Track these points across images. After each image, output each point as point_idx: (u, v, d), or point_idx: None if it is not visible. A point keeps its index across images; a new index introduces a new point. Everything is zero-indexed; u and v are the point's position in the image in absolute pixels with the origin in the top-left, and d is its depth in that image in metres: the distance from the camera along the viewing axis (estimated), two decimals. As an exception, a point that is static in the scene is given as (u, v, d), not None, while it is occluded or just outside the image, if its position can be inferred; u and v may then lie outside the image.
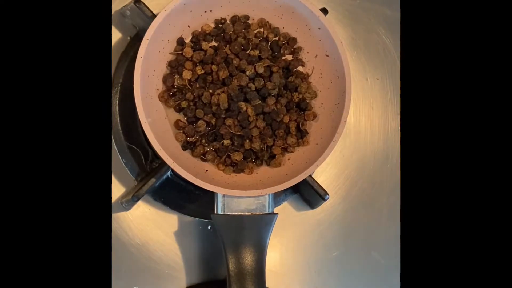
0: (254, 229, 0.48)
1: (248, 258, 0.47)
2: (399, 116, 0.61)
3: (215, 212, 0.49)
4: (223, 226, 0.48)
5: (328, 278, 0.58)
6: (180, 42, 0.53)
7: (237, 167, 0.51)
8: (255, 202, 0.49)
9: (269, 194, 0.49)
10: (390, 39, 0.63)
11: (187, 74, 0.52)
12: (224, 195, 0.48)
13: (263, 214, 0.49)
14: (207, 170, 0.51)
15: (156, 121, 0.50)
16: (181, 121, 0.52)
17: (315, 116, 0.53)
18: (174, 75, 0.52)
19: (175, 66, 0.52)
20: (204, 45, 0.53)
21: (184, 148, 0.52)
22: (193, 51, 0.53)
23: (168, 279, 0.55)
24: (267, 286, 0.56)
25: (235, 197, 0.48)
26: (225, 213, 0.48)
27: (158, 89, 0.52)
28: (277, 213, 0.50)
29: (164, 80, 0.52)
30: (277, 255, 0.57)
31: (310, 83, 0.54)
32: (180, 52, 0.53)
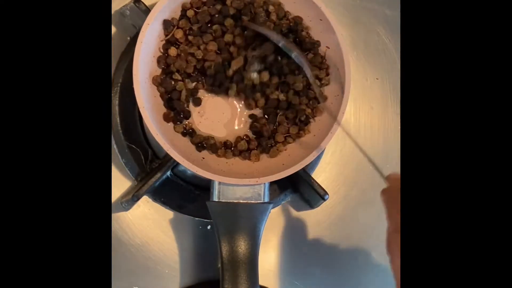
0: (248, 217, 0.48)
1: (242, 246, 0.48)
2: (399, 116, 0.61)
3: (211, 199, 0.49)
4: (218, 213, 0.49)
5: (328, 278, 0.58)
6: (167, 24, 0.51)
7: (242, 154, 0.51)
8: (250, 190, 0.49)
9: (264, 184, 0.49)
10: (390, 39, 0.63)
11: (173, 51, 0.51)
12: (220, 183, 0.49)
13: (258, 203, 0.49)
14: (203, 158, 0.51)
15: (154, 107, 0.50)
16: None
17: (326, 98, 0.53)
18: (166, 56, 0.52)
19: (166, 49, 0.52)
20: (189, 12, 0.51)
21: (184, 134, 0.52)
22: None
23: (168, 279, 0.55)
24: (266, 286, 0.56)
25: (231, 185, 0.48)
26: (220, 200, 0.49)
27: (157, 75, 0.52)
28: (272, 202, 0.50)
29: (158, 63, 0.52)
30: (277, 255, 0.58)
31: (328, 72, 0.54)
32: (170, 34, 0.52)
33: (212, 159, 0.52)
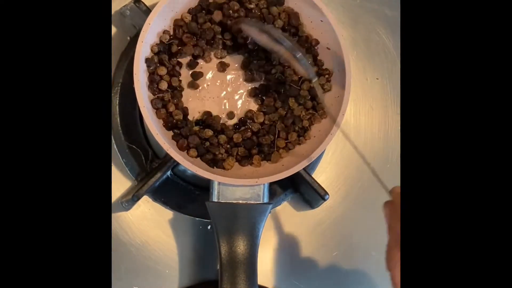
0: (248, 218, 0.48)
1: (241, 247, 0.48)
2: (399, 116, 0.61)
3: (210, 200, 0.49)
4: (217, 213, 0.49)
5: (328, 278, 0.58)
6: (148, 62, 0.50)
7: (244, 160, 0.51)
8: (249, 191, 0.49)
9: (264, 184, 0.49)
10: (390, 39, 0.63)
11: (163, 85, 0.50)
12: (219, 183, 0.48)
13: (257, 204, 0.49)
14: None
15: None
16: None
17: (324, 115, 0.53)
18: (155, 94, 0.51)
19: (152, 82, 0.50)
20: (184, 37, 0.51)
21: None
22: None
23: (168, 279, 0.55)
24: (266, 286, 0.56)
25: (230, 185, 0.48)
26: (220, 201, 0.49)
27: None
28: (272, 203, 0.50)
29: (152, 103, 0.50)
30: (277, 255, 0.57)
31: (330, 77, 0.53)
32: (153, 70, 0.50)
33: None
